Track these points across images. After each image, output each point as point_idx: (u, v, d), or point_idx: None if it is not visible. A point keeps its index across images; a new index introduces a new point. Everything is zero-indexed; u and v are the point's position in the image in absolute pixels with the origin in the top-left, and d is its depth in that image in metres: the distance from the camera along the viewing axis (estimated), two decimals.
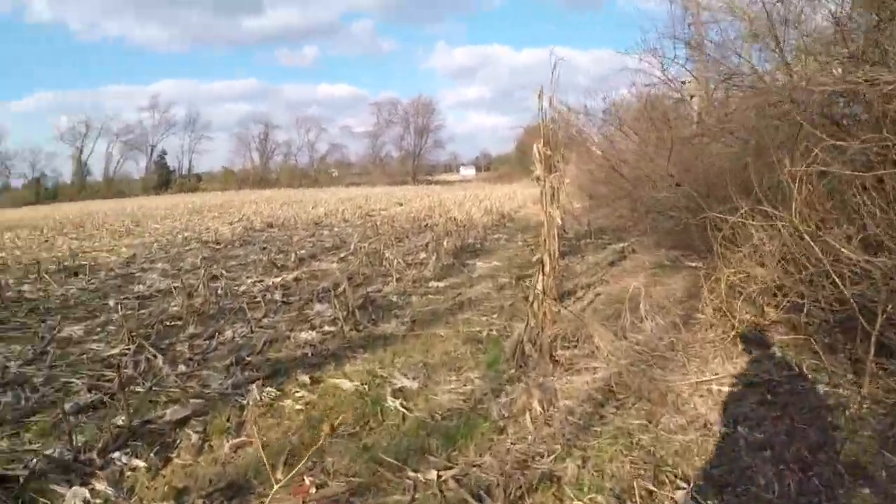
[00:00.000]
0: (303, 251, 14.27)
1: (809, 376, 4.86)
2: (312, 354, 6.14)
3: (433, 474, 3.63)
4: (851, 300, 4.56)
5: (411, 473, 3.68)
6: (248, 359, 6.09)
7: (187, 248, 16.64)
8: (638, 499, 3.30)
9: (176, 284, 9.88)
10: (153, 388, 5.34)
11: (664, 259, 10.09)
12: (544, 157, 6.05)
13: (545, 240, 6.08)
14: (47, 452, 4.11)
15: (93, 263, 13.74)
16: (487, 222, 18.74)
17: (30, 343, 7.12)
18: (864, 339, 4.65)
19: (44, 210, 47.60)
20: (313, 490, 3.49)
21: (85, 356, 6.48)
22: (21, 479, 3.84)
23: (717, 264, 6.51)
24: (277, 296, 9.17)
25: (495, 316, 7.45)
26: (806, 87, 5.94)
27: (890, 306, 4.36)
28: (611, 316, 6.64)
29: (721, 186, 7.74)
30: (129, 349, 6.47)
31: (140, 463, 4.00)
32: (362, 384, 5.25)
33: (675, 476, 3.54)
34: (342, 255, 13.66)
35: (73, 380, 5.69)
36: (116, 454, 4.10)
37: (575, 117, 14.37)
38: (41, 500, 3.63)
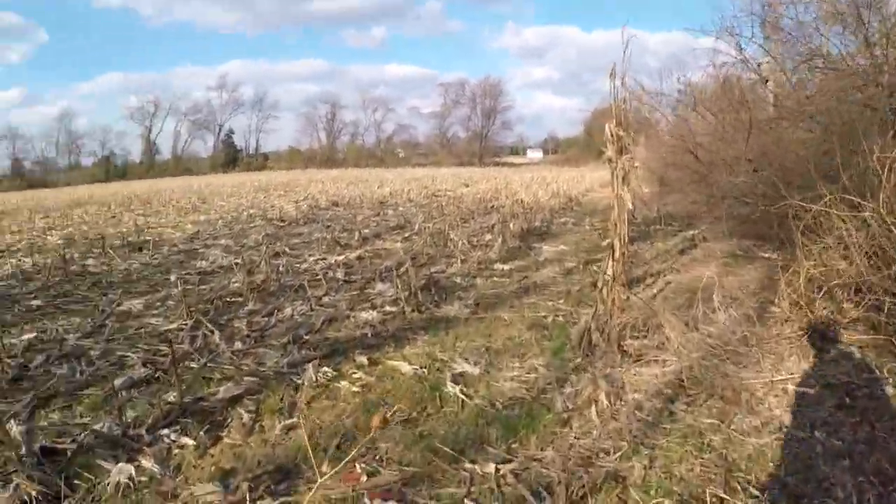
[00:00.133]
0: (367, 230, 14.25)
1: (890, 380, 4.45)
2: (372, 335, 6.01)
3: (491, 467, 3.42)
4: None
5: (468, 465, 3.49)
6: (306, 337, 6.02)
7: (252, 225, 16.89)
8: None
9: (237, 261, 9.94)
10: (208, 365, 5.30)
11: (736, 248, 9.63)
12: (616, 138, 5.72)
13: (615, 223, 5.75)
14: (96, 427, 4.09)
15: (157, 239, 14.08)
16: (554, 205, 18.36)
17: (90, 316, 7.25)
18: None
19: (113, 187, 49.45)
20: (364, 478, 3.34)
21: (142, 330, 6.56)
22: (69, 453, 3.83)
23: (797, 256, 6.11)
24: (339, 274, 9.12)
25: (562, 301, 7.19)
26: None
27: None
28: (681, 306, 6.30)
29: (800, 173, 7.38)
30: (185, 324, 6.48)
31: (189, 441, 3.94)
32: (421, 368, 5.09)
33: (748, 483, 3.24)
34: (406, 234, 13.59)
35: (129, 354, 5.73)
36: (165, 431, 4.06)
37: (647, 98, 13.84)
38: (86, 475, 3.60)
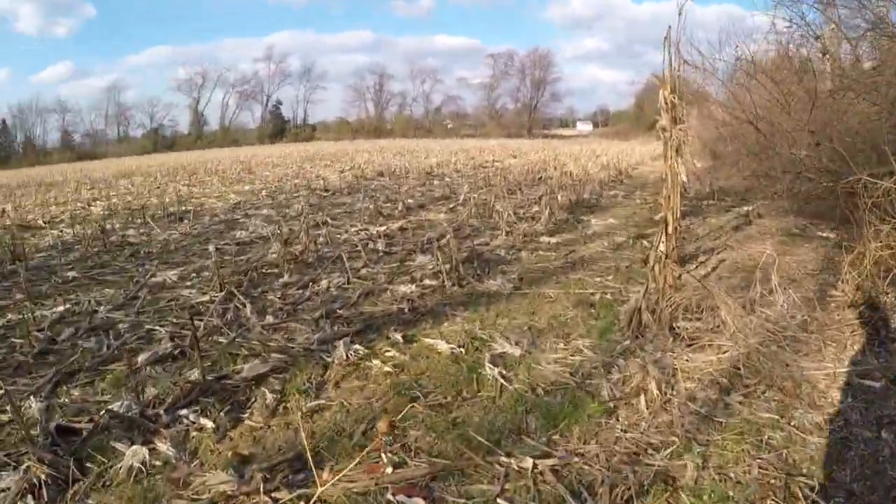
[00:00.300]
0: (411, 200, 14.06)
1: None
2: (409, 310, 5.77)
3: (528, 462, 3.12)
4: None
5: (503, 458, 3.20)
6: (340, 312, 5.81)
7: (295, 195, 16.84)
8: None
9: (277, 230, 9.81)
10: (236, 340, 5.12)
11: (793, 226, 9.25)
12: (671, 106, 5.31)
13: (668, 197, 5.36)
14: (114, 406, 3.94)
15: (199, 209, 14.13)
16: (604, 178, 17.82)
17: (123, 288, 7.20)
18: None
19: (160, 158, 50.32)
20: (389, 469, 3.08)
21: (174, 303, 6.46)
22: (84, 433, 3.69)
23: (863, 235, 5.65)
24: (380, 245, 8.90)
25: (610, 278, 6.85)
26: None
27: None
28: (737, 286, 5.97)
29: (863, 148, 6.86)
30: (216, 296, 6.34)
31: (208, 423, 3.76)
32: (459, 347, 4.80)
33: (811, 489, 2.88)
34: (451, 205, 13.34)
35: (157, 327, 5.61)
36: (184, 412, 3.88)
37: (701, 66, 13.19)
38: (99, 457, 3.45)
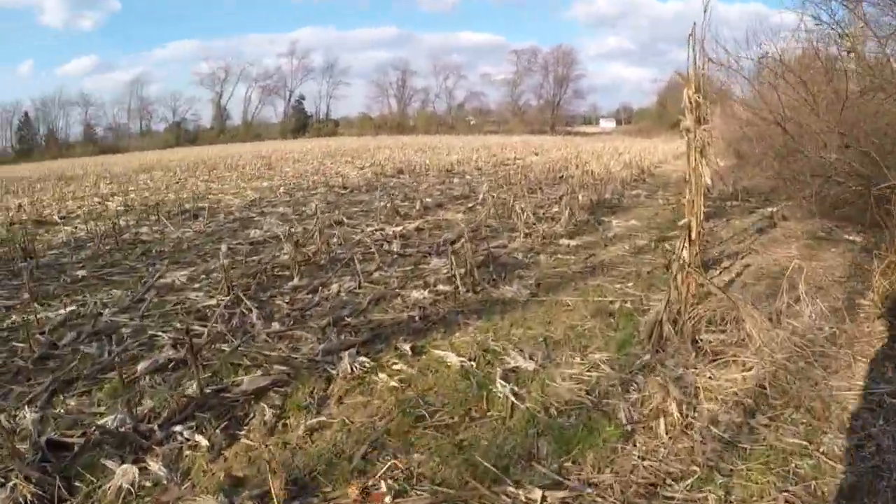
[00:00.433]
0: (429, 199, 13.90)
1: None
2: (420, 318, 5.60)
3: (537, 494, 2.93)
4: None
5: (511, 489, 3.01)
6: (348, 319, 5.66)
7: (313, 192, 16.77)
8: None
9: (292, 230, 9.71)
10: (239, 349, 5.00)
11: (818, 229, 9.00)
12: (695, 106, 5.09)
13: (691, 201, 5.14)
14: (107, 420, 3.82)
15: (214, 206, 14.08)
16: (626, 177, 17.56)
17: (131, 289, 7.12)
18: None
19: (182, 152, 50.68)
20: (388, 500, 2.92)
21: (180, 306, 6.35)
22: (75, 448, 3.57)
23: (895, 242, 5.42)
24: (395, 247, 8.76)
25: (630, 284, 6.63)
26: None
27: None
28: (762, 294, 5.78)
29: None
30: (223, 300, 6.22)
31: (202, 440, 3.61)
32: (470, 360, 4.61)
33: None
34: (470, 204, 13.18)
35: (160, 333, 5.48)
36: (179, 427, 3.74)
37: (727, 64, 12.88)
38: (88, 476, 3.32)
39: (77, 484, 3.27)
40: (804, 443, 3.37)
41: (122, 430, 3.71)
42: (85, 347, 5.28)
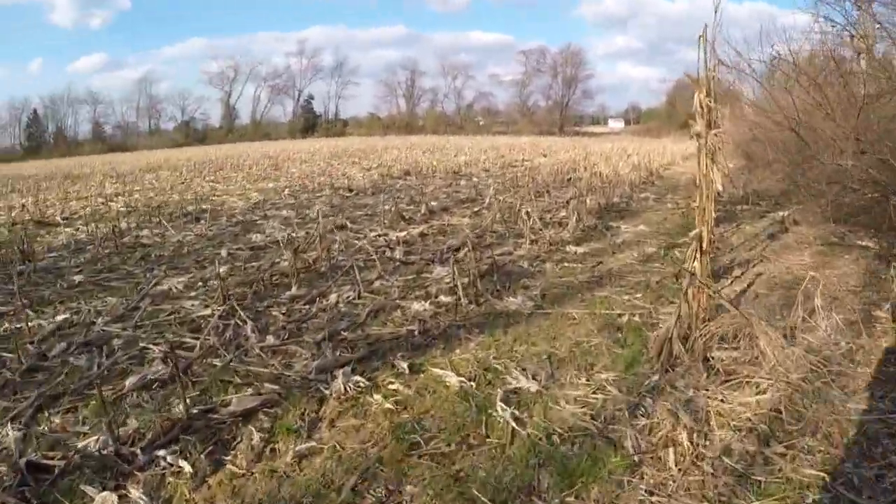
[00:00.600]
0: (435, 202, 13.76)
1: None
2: (419, 332, 5.44)
3: None
4: None
5: None
6: (345, 334, 5.50)
7: (318, 194, 16.64)
8: None
9: (293, 235, 9.58)
10: (231, 364, 4.84)
11: (831, 235, 8.84)
12: (706, 110, 4.91)
13: (702, 207, 4.96)
14: (89, 442, 3.67)
15: (217, 208, 13.96)
16: (635, 179, 17.45)
17: (127, 296, 7.00)
18: None
19: (189, 152, 50.69)
20: None
21: (174, 316, 6.20)
22: (55, 471, 3.42)
23: None
24: (397, 254, 8.61)
25: (639, 296, 6.46)
26: None
27: None
28: (775, 305, 5.64)
29: None
30: (218, 310, 6.07)
31: (186, 466, 3.46)
32: (469, 380, 4.43)
33: None
34: (476, 208, 13.03)
35: (152, 346, 5.33)
36: (163, 451, 3.59)
37: (737, 66, 12.69)
38: (66, 502, 3.18)
39: None
40: (822, 474, 3.19)
41: (105, 452, 3.57)
42: (74, 359, 5.14)
